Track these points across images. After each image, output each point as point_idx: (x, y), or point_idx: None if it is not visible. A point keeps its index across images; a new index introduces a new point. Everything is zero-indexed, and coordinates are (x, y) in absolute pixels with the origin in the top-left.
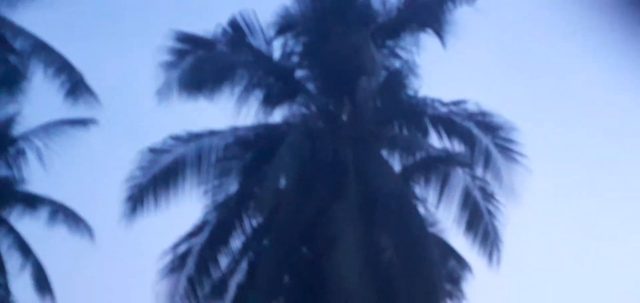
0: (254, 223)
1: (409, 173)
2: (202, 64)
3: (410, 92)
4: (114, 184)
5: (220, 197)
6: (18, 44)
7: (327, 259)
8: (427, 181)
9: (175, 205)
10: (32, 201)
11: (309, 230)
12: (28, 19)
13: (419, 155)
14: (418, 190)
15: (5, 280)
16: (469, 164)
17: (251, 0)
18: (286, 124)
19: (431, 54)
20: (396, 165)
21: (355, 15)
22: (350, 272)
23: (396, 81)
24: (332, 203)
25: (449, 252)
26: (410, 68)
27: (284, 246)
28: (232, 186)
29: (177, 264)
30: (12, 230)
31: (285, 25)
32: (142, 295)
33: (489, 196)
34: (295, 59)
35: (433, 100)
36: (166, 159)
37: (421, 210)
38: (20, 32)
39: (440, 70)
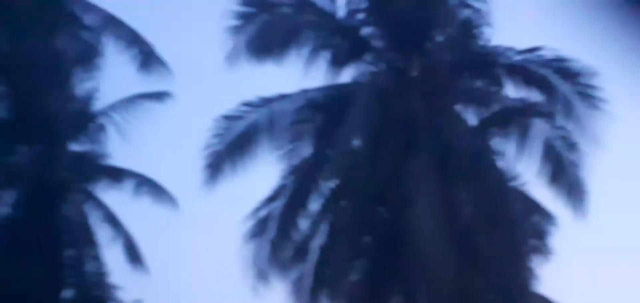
0: (331, 185)
1: (485, 127)
2: (268, 27)
3: (482, 43)
4: (192, 153)
5: (296, 161)
6: (88, 20)
7: (404, 218)
8: (505, 134)
9: (252, 170)
10: (117, 175)
11: (385, 190)
12: None
13: (494, 107)
14: (495, 143)
15: (98, 253)
16: (548, 114)
17: None
18: (355, 83)
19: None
20: (471, 119)
21: None
22: (428, 229)
23: (467, 31)
24: (406, 161)
25: (532, 206)
26: (481, 17)
27: (362, 207)
28: (306, 150)
29: (259, 229)
30: (100, 204)
31: None
32: (227, 260)
33: (571, 145)
34: (360, 16)
35: (506, 49)
36: (240, 125)
37: (500, 163)
38: (89, 7)
39: (513, 17)
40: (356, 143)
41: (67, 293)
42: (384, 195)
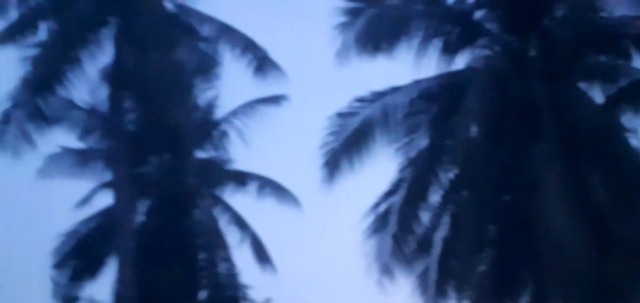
0: (451, 175)
1: (613, 103)
2: (377, 21)
3: (604, 14)
4: (310, 153)
5: (412, 153)
6: (205, 31)
7: (532, 204)
8: (637, 109)
9: (369, 165)
10: (241, 178)
11: (508, 176)
12: (210, 6)
13: (622, 82)
14: (626, 120)
15: (228, 254)
16: None
17: None
18: (470, 69)
19: None
20: (597, 97)
21: None
22: (559, 215)
23: (586, 4)
24: (530, 145)
25: None
26: None
27: (484, 196)
28: (423, 141)
29: (380, 223)
30: (227, 207)
31: None
32: (351, 256)
33: None
34: (471, 0)
35: (633, 18)
36: (354, 121)
37: (633, 141)
38: (205, 19)
39: None
40: (475, 130)
41: (202, 294)
42: (507, 181)
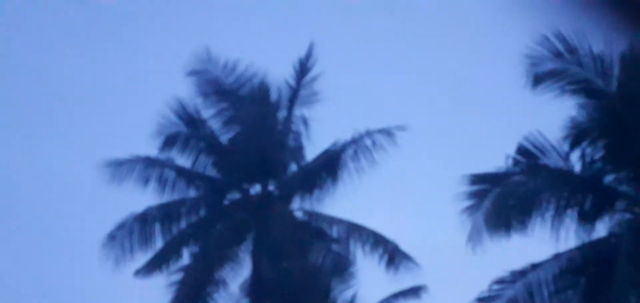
0: None
1: None
2: (504, 200)
3: None
4: None
5: None
6: (335, 232)
7: None
8: None
9: None
10: None
11: None
12: (336, 208)
13: None
14: None
15: None
16: None
17: (522, 125)
18: (613, 235)
19: None
20: None
21: None
22: None
23: None
24: None
25: None
26: None
27: None
28: None
29: None
30: None
31: (579, 135)
32: None
33: None
34: (599, 165)
35: None
36: None
37: None
38: (332, 221)
39: None
40: (629, 299)
41: None
42: None
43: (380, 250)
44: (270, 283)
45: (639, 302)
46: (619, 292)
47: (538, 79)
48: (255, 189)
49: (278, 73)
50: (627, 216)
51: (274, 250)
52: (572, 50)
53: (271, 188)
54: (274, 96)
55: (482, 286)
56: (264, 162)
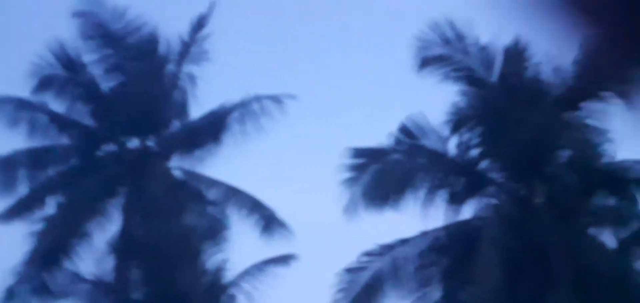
0: None
1: (626, 248)
2: (382, 175)
3: (606, 160)
4: None
5: None
6: (212, 194)
7: None
8: None
9: None
10: None
11: None
12: (216, 170)
13: (633, 226)
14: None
15: None
16: None
17: (412, 104)
18: (478, 219)
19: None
20: (608, 241)
21: (528, 94)
22: None
23: (588, 151)
24: (544, 293)
25: None
26: (600, 134)
27: None
28: (436, 293)
29: None
30: None
31: (458, 121)
32: None
33: None
34: (474, 152)
35: (635, 162)
36: (364, 277)
37: None
38: (212, 183)
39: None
40: (490, 280)
41: None
42: None
43: (257, 216)
44: (140, 241)
45: (498, 282)
46: (481, 271)
47: (425, 63)
48: (133, 143)
49: (170, 27)
50: (494, 201)
51: (147, 207)
52: (460, 37)
53: (150, 143)
54: (162, 49)
55: (353, 257)
56: (145, 116)
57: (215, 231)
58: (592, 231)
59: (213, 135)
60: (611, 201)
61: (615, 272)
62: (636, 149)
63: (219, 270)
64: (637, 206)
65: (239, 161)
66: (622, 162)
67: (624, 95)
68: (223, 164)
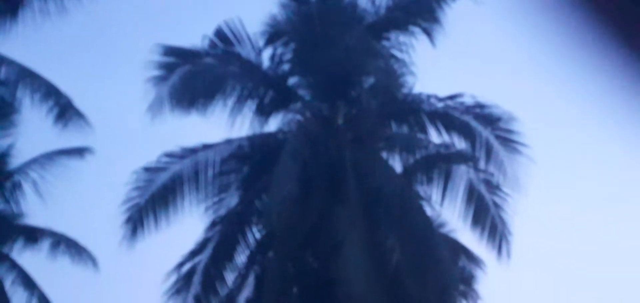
0: (258, 235)
1: (410, 173)
2: (192, 77)
3: (406, 91)
4: (112, 208)
5: (221, 212)
6: (2, 73)
7: (333, 265)
8: (430, 179)
9: (175, 223)
10: (33, 234)
11: (313, 237)
12: (10, 48)
13: (419, 153)
14: (421, 189)
15: None
16: (471, 159)
17: (233, 9)
18: (282, 132)
19: (425, 49)
20: (397, 165)
21: (343, 17)
22: (357, 276)
23: (390, 80)
24: (334, 208)
25: (461, 251)
26: (403, 66)
27: (289, 257)
28: (233, 200)
29: (182, 284)
30: (14, 265)
31: (274, 34)
32: None
33: (493, 188)
34: (286, 66)
35: (429, 96)
36: (162, 177)
37: (427, 209)
38: (3, 60)
39: (435, 64)
40: (284, 191)
41: None
42: (312, 242)
43: (51, 102)
44: None
45: (292, 193)
46: (276, 181)
47: None
48: None
49: None
50: (298, 117)
51: None
52: None
53: None
54: None
55: (153, 157)
56: None
57: (2, 113)
58: (384, 155)
59: (8, 9)
60: (404, 129)
61: (400, 194)
62: (431, 84)
63: (3, 155)
64: (425, 136)
65: (39, 42)
66: (418, 94)
67: (428, 31)
68: (19, 43)
